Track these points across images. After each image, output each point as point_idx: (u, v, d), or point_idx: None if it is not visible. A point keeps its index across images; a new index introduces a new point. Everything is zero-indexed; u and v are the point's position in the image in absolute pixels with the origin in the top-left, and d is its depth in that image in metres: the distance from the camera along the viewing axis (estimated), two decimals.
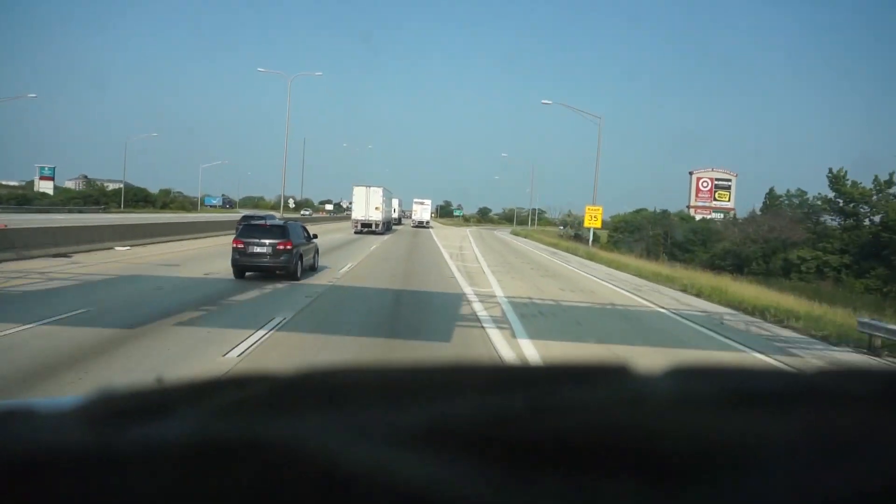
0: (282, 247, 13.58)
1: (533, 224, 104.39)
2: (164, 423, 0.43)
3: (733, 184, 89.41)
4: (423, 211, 70.47)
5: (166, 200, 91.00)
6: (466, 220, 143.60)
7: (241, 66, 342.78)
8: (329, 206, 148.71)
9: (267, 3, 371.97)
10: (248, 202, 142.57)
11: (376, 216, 44.11)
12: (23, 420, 0.47)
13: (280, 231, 14.03)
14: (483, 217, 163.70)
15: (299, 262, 14.21)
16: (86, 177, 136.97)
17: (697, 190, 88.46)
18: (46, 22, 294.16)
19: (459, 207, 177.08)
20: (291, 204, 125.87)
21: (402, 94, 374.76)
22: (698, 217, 75.83)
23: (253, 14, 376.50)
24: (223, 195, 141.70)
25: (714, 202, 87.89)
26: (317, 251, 16.52)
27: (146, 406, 0.46)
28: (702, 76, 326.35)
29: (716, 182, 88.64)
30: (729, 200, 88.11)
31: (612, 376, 0.49)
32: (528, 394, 0.45)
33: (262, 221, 15.74)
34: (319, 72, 48.08)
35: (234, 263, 13.72)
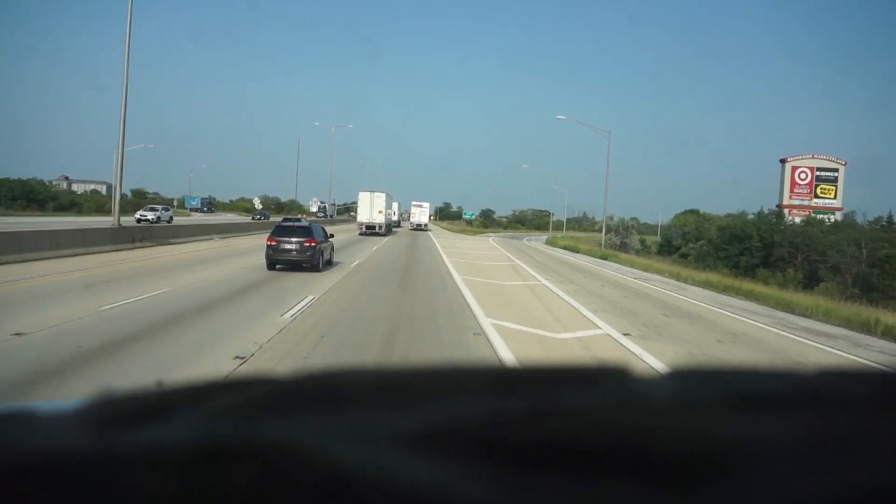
0: (307, 244, 16.37)
1: (569, 229, 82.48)
2: (163, 425, 0.43)
3: (841, 175, 66.18)
4: (421, 214, 69.00)
5: (74, 199, 67.97)
6: (469, 224, 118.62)
7: (240, 68, 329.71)
8: (314, 208, 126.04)
9: (268, 6, 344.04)
10: (229, 206, 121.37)
11: (379, 219, 46.82)
12: (23, 423, 0.47)
13: (306, 231, 16.84)
14: (487, 220, 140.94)
15: (321, 257, 17.14)
16: (67, 177, 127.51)
17: (793, 183, 64.61)
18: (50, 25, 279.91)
19: (460, 209, 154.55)
20: (258, 205, 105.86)
21: (401, 95, 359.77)
22: (796, 219, 52.29)
23: (253, 16, 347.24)
24: (206, 196, 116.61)
25: (815, 200, 64.58)
26: (332, 248, 19.45)
27: (146, 409, 0.46)
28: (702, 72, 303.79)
29: (818, 173, 65.46)
30: (835, 197, 64.91)
31: (612, 378, 0.50)
32: (528, 396, 0.45)
33: (291, 224, 17.87)
34: None
35: (268, 257, 16.43)
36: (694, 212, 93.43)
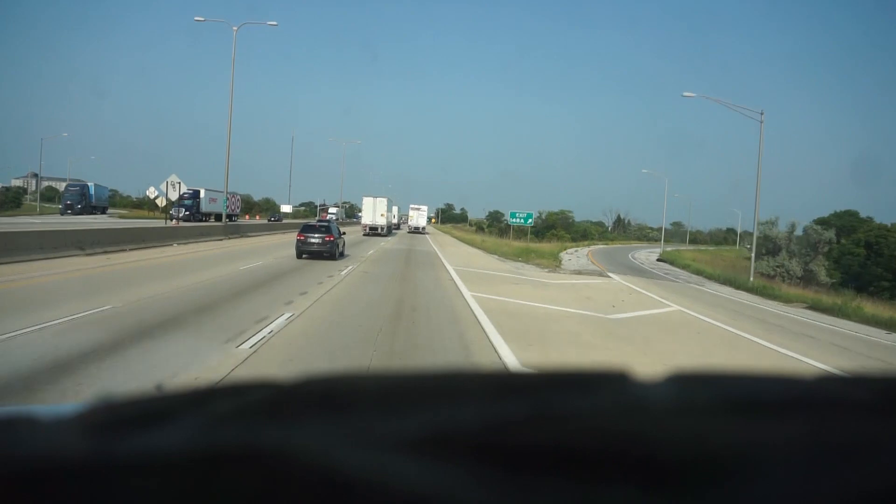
0: (328, 239, 21.77)
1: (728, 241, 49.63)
2: (163, 430, 0.43)
3: None
4: (419, 217, 68.95)
5: None
6: (480, 229, 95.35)
7: (242, 71, 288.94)
8: (286, 209, 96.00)
9: (269, 12, 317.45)
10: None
11: (381, 221, 52.36)
12: (23, 427, 0.47)
13: (326, 228, 22.37)
14: (497, 224, 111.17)
15: (337, 249, 22.53)
16: (36, 174, 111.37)
17: None
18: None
19: (464, 211, 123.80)
20: (158, 199, 74.87)
21: (400, 96, 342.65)
22: None
23: (251, 16, 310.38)
24: (75, 184, 63.44)
25: None
26: (344, 243, 25.09)
27: (146, 414, 0.45)
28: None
29: None
30: None
31: (613, 382, 0.49)
32: (528, 400, 0.45)
33: (316, 223, 23.97)
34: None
35: (297, 249, 21.84)
36: (851, 213, 57.77)
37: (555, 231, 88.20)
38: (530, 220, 41.96)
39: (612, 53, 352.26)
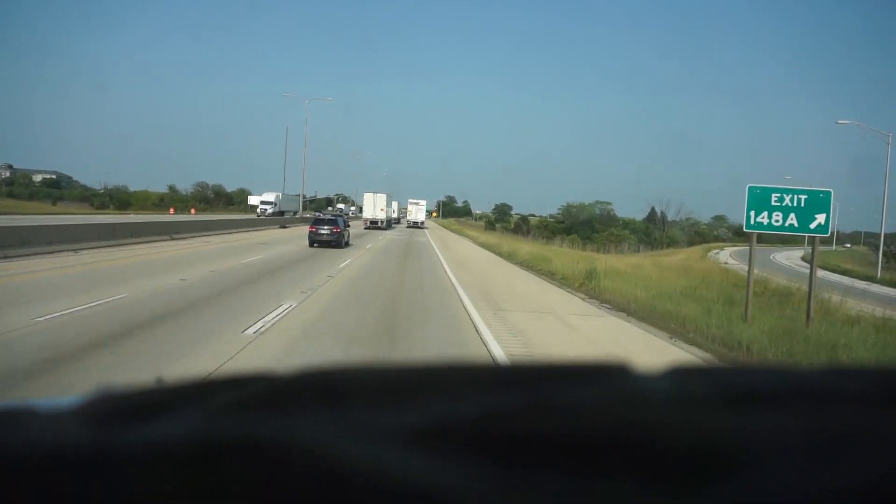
0: (335, 230, 26.46)
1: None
2: (163, 422, 0.43)
3: None
4: (417, 211, 69.95)
5: None
6: (489, 224, 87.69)
7: (241, 73, 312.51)
8: (254, 200, 78.74)
9: (269, 12, 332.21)
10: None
11: (381, 215, 56.27)
12: (23, 420, 0.47)
13: (333, 222, 27.26)
14: (503, 219, 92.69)
15: (343, 239, 27.28)
16: (11, 166, 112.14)
17: None
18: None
19: (466, 204, 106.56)
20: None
21: (400, 89, 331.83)
22: None
23: (255, 22, 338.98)
24: None
25: None
26: (349, 234, 29.52)
27: (146, 406, 0.45)
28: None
29: None
30: None
31: (612, 375, 0.49)
32: (527, 392, 0.45)
33: (324, 217, 29.83)
34: None
35: (310, 239, 26.32)
36: None
37: (606, 230, 67.61)
38: (823, 224, 11.14)
39: (610, 50, 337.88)
